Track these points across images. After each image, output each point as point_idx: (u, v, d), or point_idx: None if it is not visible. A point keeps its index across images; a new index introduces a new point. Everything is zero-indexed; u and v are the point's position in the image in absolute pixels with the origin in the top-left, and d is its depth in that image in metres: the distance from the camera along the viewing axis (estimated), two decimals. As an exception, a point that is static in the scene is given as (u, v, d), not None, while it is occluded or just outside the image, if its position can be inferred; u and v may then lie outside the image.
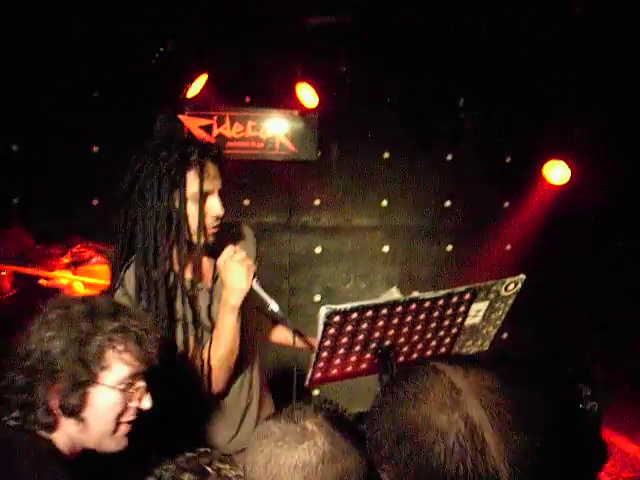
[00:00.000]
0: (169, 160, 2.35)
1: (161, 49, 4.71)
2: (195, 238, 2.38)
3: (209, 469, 1.61)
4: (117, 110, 4.91)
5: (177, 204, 2.34)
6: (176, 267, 2.41)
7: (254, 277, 2.36)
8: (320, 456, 1.36)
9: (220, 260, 2.38)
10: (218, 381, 2.45)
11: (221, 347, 2.39)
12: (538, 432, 1.09)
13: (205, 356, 2.40)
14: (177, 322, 2.37)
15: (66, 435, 1.70)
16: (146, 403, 1.77)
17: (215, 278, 2.53)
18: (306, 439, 1.38)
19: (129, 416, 1.76)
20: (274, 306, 2.39)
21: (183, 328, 2.37)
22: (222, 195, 2.42)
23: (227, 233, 2.60)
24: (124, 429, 1.77)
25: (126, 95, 4.85)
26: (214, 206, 2.38)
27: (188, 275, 2.46)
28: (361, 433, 1.42)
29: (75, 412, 1.67)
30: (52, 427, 1.67)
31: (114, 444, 1.76)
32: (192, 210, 2.35)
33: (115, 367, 1.69)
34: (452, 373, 1.19)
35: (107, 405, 1.70)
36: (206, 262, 2.53)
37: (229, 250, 2.38)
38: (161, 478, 1.62)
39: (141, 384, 1.76)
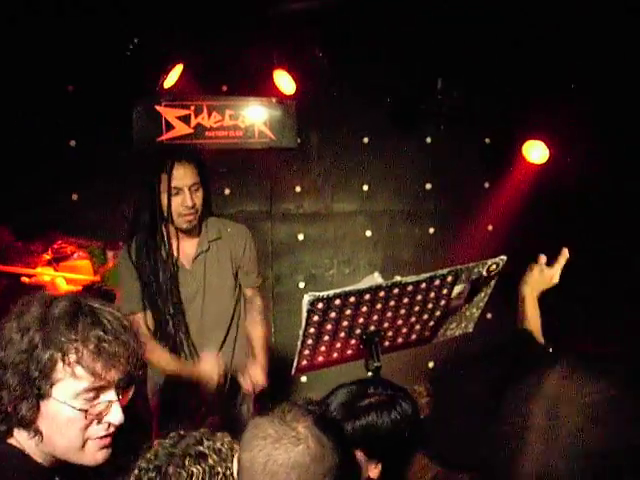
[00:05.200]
0: (150, 165, 3.21)
1: (135, 40, 4.67)
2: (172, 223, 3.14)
3: (204, 450, 1.70)
4: (93, 104, 4.87)
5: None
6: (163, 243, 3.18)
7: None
8: (312, 457, 1.56)
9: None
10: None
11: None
12: None
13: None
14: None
15: (29, 444, 1.61)
16: (114, 417, 1.63)
17: (194, 258, 3.22)
18: (300, 442, 1.56)
19: (99, 431, 1.62)
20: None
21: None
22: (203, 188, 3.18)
23: (222, 226, 3.35)
24: (95, 445, 1.63)
25: (101, 88, 4.81)
26: (180, 199, 3.09)
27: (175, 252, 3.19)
28: (341, 432, 1.71)
29: (26, 423, 1.57)
30: (4, 435, 1.59)
31: (87, 458, 1.64)
32: (165, 202, 3.09)
33: (67, 381, 1.56)
34: None
35: (63, 420, 1.58)
36: (188, 243, 3.22)
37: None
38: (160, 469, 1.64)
39: (106, 398, 1.61)
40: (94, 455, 1.64)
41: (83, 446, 1.62)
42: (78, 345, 1.55)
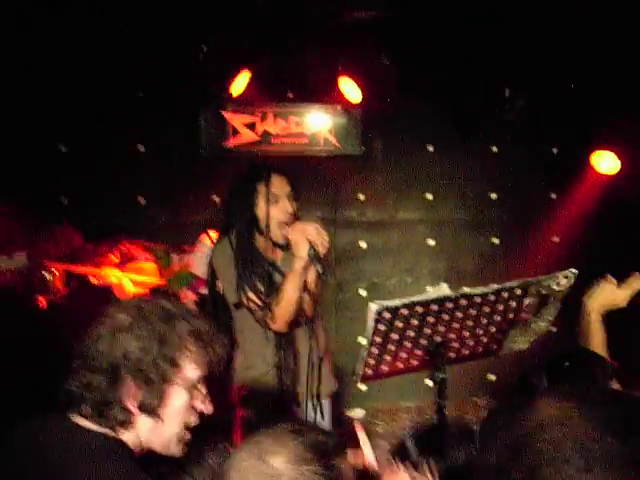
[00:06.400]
0: (247, 176, 3.17)
1: (204, 47, 4.74)
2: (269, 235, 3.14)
3: None
4: (162, 109, 4.96)
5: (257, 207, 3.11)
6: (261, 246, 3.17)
7: (311, 247, 2.91)
8: None
9: (291, 231, 3.00)
10: (277, 319, 3.07)
11: (282, 299, 3.02)
12: None
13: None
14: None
15: (138, 434, 1.73)
16: (209, 407, 1.80)
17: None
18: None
19: (194, 421, 1.79)
20: (319, 268, 2.93)
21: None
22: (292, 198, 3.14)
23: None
24: (187, 435, 1.79)
25: (171, 94, 4.90)
26: (280, 207, 3.09)
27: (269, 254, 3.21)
28: (332, 454, 1.47)
29: (154, 410, 1.70)
30: (127, 424, 1.70)
31: (178, 449, 1.79)
32: (263, 210, 3.08)
33: (188, 368, 1.73)
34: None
35: (180, 405, 1.74)
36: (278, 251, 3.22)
37: (298, 224, 3.03)
38: None
39: (204, 388, 1.79)
40: (182, 446, 1.79)
41: (182, 435, 1.77)
42: (196, 338, 1.74)
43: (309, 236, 2.98)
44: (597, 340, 2.50)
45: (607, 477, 0.78)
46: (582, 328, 2.57)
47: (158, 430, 1.74)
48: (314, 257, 2.96)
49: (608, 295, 2.61)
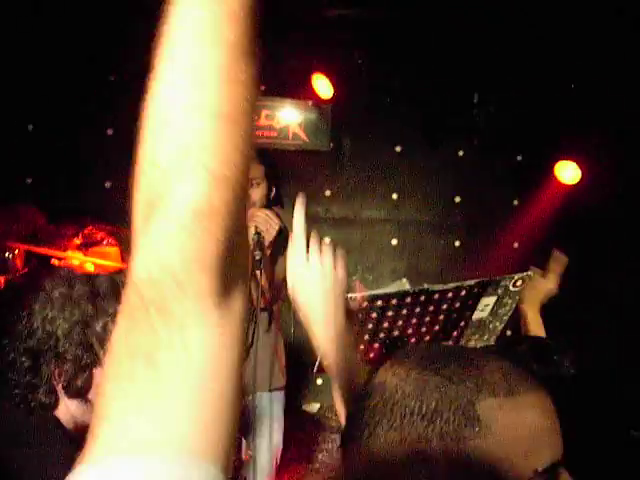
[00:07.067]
0: None
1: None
2: None
3: None
4: (133, 94, 4.93)
5: None
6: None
7: (255, 233, 3.06)
8: None
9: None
10: None
11: None
12: None
13: None
14: None
15: (69, 414, 1.69)
16: None
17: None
18: None
19: None
20: (257, 254, 3.08)
21: None
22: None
23: None
24: None
25: (141, 80, 4.87)
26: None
27: None
28: None
29: (80, 394, 1.67)
30: (52, 407, 1.67)
31: None
32: None
33: None
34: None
35: None
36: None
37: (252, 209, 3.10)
38: None
39: None
40: None
41: None
42: None
43: (256, 222, 2.98)
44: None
45: None
46: (523, 330, 2.67)
47: (90, 412, 1.63)
48: (256, 243, 2.96)
49: (538, 290, 2.70)
